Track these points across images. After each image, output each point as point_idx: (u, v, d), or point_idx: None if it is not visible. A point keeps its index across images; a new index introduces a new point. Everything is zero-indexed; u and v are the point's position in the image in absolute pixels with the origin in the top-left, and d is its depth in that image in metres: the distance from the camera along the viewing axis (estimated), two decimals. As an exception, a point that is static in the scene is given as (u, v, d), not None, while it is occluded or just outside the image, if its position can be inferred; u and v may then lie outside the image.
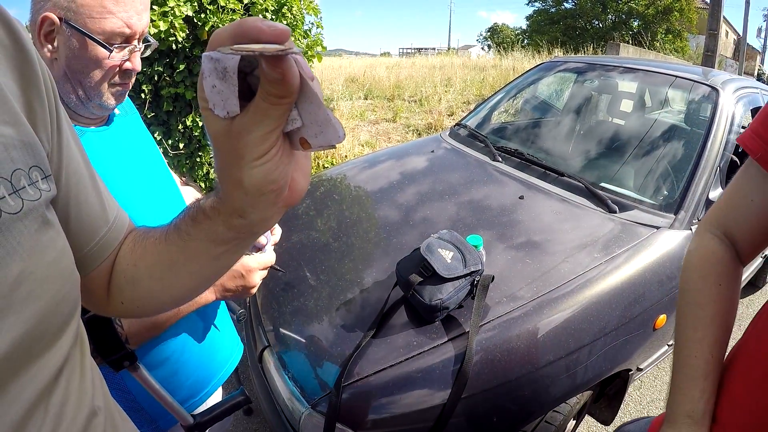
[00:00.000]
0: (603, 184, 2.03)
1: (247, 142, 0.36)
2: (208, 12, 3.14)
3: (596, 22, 28.90)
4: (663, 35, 26.36)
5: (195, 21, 3.13)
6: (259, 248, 1.07)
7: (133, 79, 0.97)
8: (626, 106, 2.83)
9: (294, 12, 3.59)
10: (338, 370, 1.24)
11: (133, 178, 1.01)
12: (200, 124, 3.39)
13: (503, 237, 1.71)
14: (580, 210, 1.86)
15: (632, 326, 1.53)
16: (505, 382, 1.26)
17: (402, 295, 1.40)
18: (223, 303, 1.29)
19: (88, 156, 0.86)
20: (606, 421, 1.87)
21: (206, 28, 3.12)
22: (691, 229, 1.77)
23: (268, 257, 1.09)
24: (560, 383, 1.37)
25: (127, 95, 0.98)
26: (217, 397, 1.39)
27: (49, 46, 0.85)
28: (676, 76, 2.47)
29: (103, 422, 0.47)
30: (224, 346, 1.26)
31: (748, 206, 0.74)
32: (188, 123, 3.37)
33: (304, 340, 1.41)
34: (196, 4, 3.08)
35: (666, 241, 1.70)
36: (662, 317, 1.64)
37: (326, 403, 1.19)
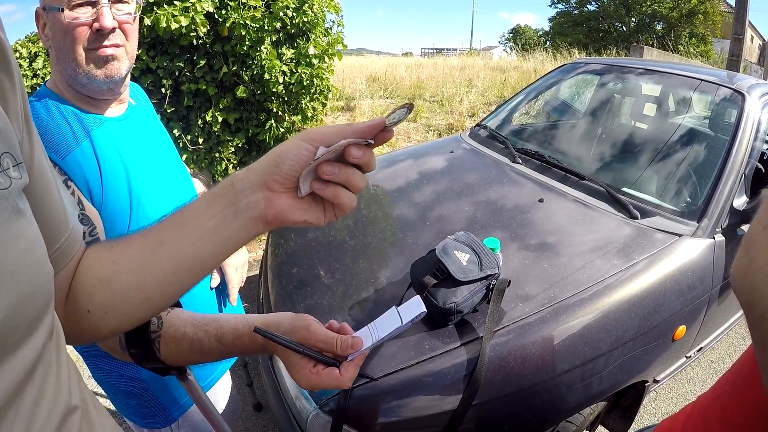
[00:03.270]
0: (625, 189, 1.98)
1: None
2: (229, 8, 3.16)
3: (619, 25, 28.49)
4: (687, 39, 25.89)
5: (216, 17, 3.15)
6: None
7: (124, 44, 0.94)
8: (649, 109, 2.77)
9: (315, 9, 3.59)
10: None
11: (150, 167, 1.03)
12: (219, 119, 3.42)
13: (520, 239, 1.68)
14: (600, 215, 1.82)
15: (651, 336, 1.48)
16: (519, 389, 1.23)
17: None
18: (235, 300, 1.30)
19: (110, 148, 0.93)
20: None
21: (227, 25, 3.13)
22: (714, 238, 1.71)
23: None
24: (575, 393, 1.34)
25: (122, 71, 0.95)
26: (224, 385, 1.39)
27: (44, 36, 0.91)
28: (701, 80, 2.40)
29: (78, 420, 0.45)
30: None
31: None
32: (208, 118, 3.39)
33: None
34: (217, 0, 3.09)
35: (688, 250, 1.65)
36: (681, 328, 1.59)
37: (334, 403, 1.18)
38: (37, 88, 0.97)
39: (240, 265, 1.27)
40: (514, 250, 1.62)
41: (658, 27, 26.86)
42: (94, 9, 0.88)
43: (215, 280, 1.24)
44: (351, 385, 0.65)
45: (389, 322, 0.67)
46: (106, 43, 0.90)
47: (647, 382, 1.63)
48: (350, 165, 0.52)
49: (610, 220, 1.79)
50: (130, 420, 1.21)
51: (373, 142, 0.51)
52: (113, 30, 0.90)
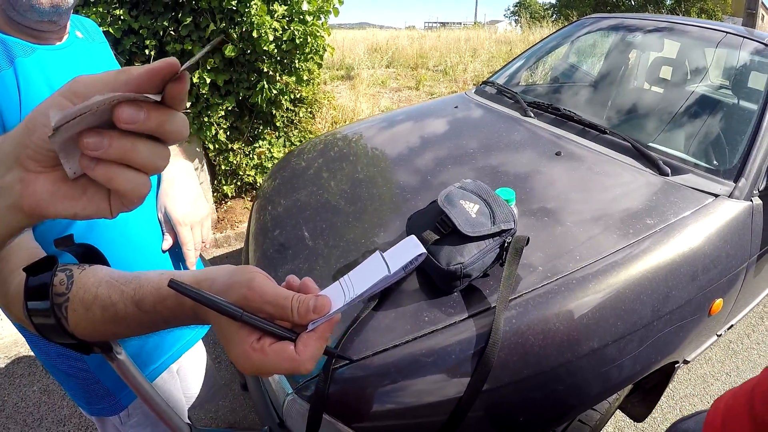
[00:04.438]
0: (652, 144, 1.76)
1: None
2: None
3: (628, -1, 28.05)
4: (697, 15, 25.55)
5: None
6: None
7: None
8: (672, 66, 2.51)
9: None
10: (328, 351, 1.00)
11: None
12: (207, 81, 3.20)
13: (537, 199, 1.45)
14: (626, 171, 1.59)
15: (688, 310, 1.28)
16: (539, 372, 1.02)
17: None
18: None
19: (38, 77, 0.86)
20: (638, 418, 1.64)
21: (214, -21, 2.90)
22: (752, 201, 1.49)
23: None
24: (604, 376, 1.13)
25: (69, 1, 0.86)
26: (194, 361, 1.23)
27: None
28: (726, 32, 2.17)
29: None
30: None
31: None
32: (195, 80, 3.18)
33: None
34: None
35: (725, 211, 1.43)
36: (719, 301, 1.40)
37: (313, 388, 0.97)
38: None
39: (196, 222, 1.04)
40: (530, 211, 1.39)
41: (668, 2, 26.45)
42: None
43: (167, 241, 1.03)
44: (312, 368, 0.44)
45: (371, 271, 0.45)
46: None
47: (677, 362, 1.42)
48: (134, 133, 0.36)
49: (639, 176, 1.56)
50: (79, 405, 1.07)
51: (159, 99, 0.36)
52: None
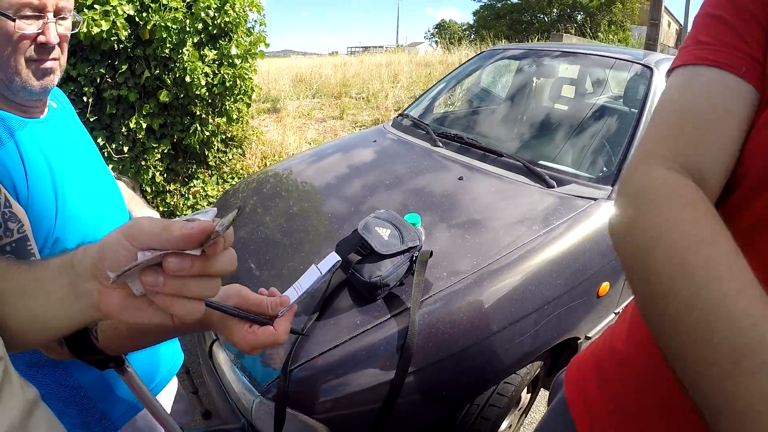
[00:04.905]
0: (541, 162, 2.09)
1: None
2: (150, 10, 3.08)
3: (541, 16, 29.73)
4: (606, 26, 27.32)
5: (137, 20, 3.07)
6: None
7: (59, 57, 0.96)
8: (567, 90, 2.91)
9: (237, 9, 3.55)
10: (284, 357, 1.23)
11: (74, 168, 1.01)
12: (143, 125, 3.32)
13: (445, 217, 1.73)
14: (518, 187, 1.91)
15: (575, 294, 1.57)
16: (451, 354, 1.28)
17: (344, 277, 1.41)
18: None
19: (34, 149, 0.93)
20: None
21: (148, 27, 3.05)
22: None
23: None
24: (508, 353, 1.40)
25: (55, 82, 0.97)
26: (170, 391, 1.37)
27: None
28: (615, 58, 2.58)
29: (2, 369, 0.47)
30: (164, 349, 1.26)
31: (720, 118, 0.52)
32: (132, 125, 3.30)
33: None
34: (138, 3, 3.02)
35: (604, 212, 1.76)
36: (605, 285, 1.69)
37: (275, 389, 1.19)
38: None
39: None
40: (439, 227, 1.67)
41: (579, 17, 28.13)
42: (40, 21, 0.88)
43: None
44: (286, 340, 0.67)
45: (310, 276, 0.70)
46: (46, 56, 0.91)
47: (579, 339, 1.71)
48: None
49: (529, 191, 1.88)
50: None
51: (199, 253, 0.44)
52: (54, 44, 0.92)
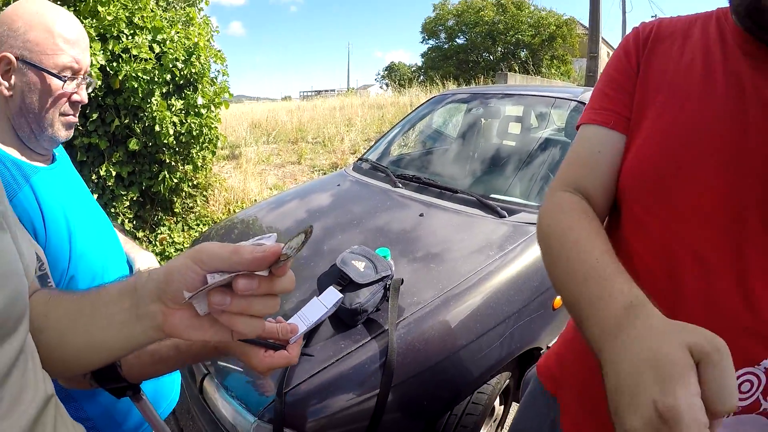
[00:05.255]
0: (493, 195, 2.32)
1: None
2: (120, 61, 3.21)
3: (487, 55, 31.02)
4: (549, 61, 28.75)
5: (108, 70, 3.19)
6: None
7: (77, 112, 1.08)
8: (513, 127, 3.22)
9: (202, 61, 3.72)
10: (278, 380, 1.36)
11: (80, 209, 1.11)
12: (113, 173, 3.40)
13: (408, 252, 1.91)
14: (474, 219, 2.12)
15: (532, 308, 1.77)
16: (427, 368, 1.45)
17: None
18: None
19: (47, 193, 1.00)
20: None
21: (119, 77, 3.18)
22: None
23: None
24: (478, 364, 1.57)
25: (72, 131, 1.08)
26: None
27: (6, 84, 0.95)
28: (553, 97, 2.89)
29: (54, 406, 0.51)
30: (168, 380, 1.36)
31: (596, 162, 0.77)
32: (102, 173, 3.37)
33: (241, 365, 1.51)
34: (109, 53, 3.14)
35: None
36: (559, 298, 1.83)
37: (270, 412, 1.31)
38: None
39: None
40: (405, 260, 1.85)
41: (522, 54, 29.45)
42: (74, 82, 1.00)
43: None
44: (297, 360, 0.75)
45: (315, 309, 0.82)
46: (75, 112, 1.05)
47: (541, 349, 1.88)
48: None
49: (484, 222, 2.09)
50: None
51: (267, 274, 0.49)
52: (84, 102, 1.05)
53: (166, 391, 1.34)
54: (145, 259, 1.34)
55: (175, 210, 4.25)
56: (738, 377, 0.62)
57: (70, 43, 0.98)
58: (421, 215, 2.19)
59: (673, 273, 0.68)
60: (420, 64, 35.57)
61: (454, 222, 2.12)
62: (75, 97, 1.02)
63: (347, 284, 1.52)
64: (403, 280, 1.61)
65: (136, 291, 0.52)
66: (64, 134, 1.05)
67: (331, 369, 1.38)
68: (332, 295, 0.83)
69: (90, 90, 1.10)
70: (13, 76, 0.95)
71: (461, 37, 31.63)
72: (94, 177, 3.39)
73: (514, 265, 1.80)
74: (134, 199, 3.69)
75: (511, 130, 3.21)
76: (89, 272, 1.07)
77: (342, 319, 1.52)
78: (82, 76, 1.03)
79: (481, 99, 3.36)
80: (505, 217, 2.12)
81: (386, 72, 42.46)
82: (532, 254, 1.86)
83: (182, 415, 2.33)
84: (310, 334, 1.48)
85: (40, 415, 0.47)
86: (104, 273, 1.12)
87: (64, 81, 0.98)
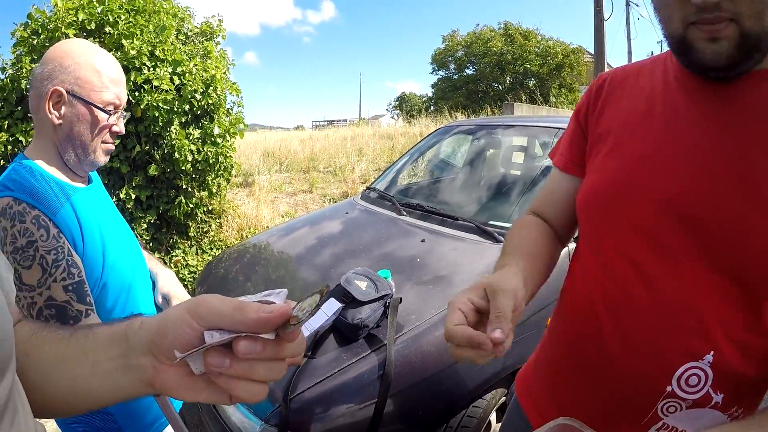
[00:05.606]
0: (492, 222, 2.44)
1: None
2: (142, 91, 3.43)
3: (496, 85, 31.41)
4: (557, 90, 29.00)
5: (130, 99, 3.40)
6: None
7: (115, 141, 1.22)
8: (516, 157, 3.36)
9: (218, 92, 3.94)
10: (284, 388, 1.48)
11: (112, 227, 1.24)
12: (133, 196, 3.59)
13: (410, 274, 2.03)
14: (473, 245, 2.24)
15: (528, 326, 1.86)
16: (423, 379, 1.56)
17: (330, 324, 1.69)
18: None
19: (85, 210, 1.12)
20: None
21: (141, 106, 3.39)
22: (568, 246, 2.19)
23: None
24: (472, 377, 1.67)
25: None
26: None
27: (57, 113, 1.09)
28: (554, 128, 3.01)
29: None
30: None
31: (551, 195, 1.00)
32: (122, 196, 3.56)
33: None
34: (132, 84, 3.36)
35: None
36: None
37: (277, 416, 1.42)
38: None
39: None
40: (406, 282, 1.96)
41: (531, 83, 29.73)
42: (115, 115, 1.15)
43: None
44: (300, 362, 0.87)
45: (317, 317, 0.96)
46: (113, 140, 1.19)
47: None
48: None
49: (482, 246, 2.21)
50: None
51: (273, 338, 0.43)
52: (123, 132, 1.19)
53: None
54: (165, 276, 1.47)
55: (190, 234, 4.42)
56: (684, 371, 0.72)
57: (113, 82, 1.14)
58: (423, 241, 2.32)
59: (615, 273, 0.79)
60: (430, 94, 35.97)
61: (453, 247, 2.25)
62: (115, 128, 1.17)
63: (350, 301, 1.65)
64: (401, 299, 1.73)
65: (127, 340, 0.48)
66: (103, 159, 1.19)
67: (334, 378, 1.49)
68: (332, 305, 0.95)
69: (124, 121, 1.25)
70: (63, 108, 1.09)
71: (470, 67, 32.08)
72: (114, 199, 3.56)
73: (509, 286, 1.90)
74: (151, 221, 3.87)
75: (514, 159, 3.36)
76: (119, 282, 1.20)
77: (345, 334, 1.63)
78: (121, 111, 1.18)
79: (486, 130, 3.53)
80: (501, 242, 2.24)
81: (397, 102, 42.79)
82: (527, 276, 1.97)
83: (192, 426, 2.43)
84: (315, 347, 1.61)
85: None
86: (132, 284, 1.25)
87: (109, 115, 1.13)
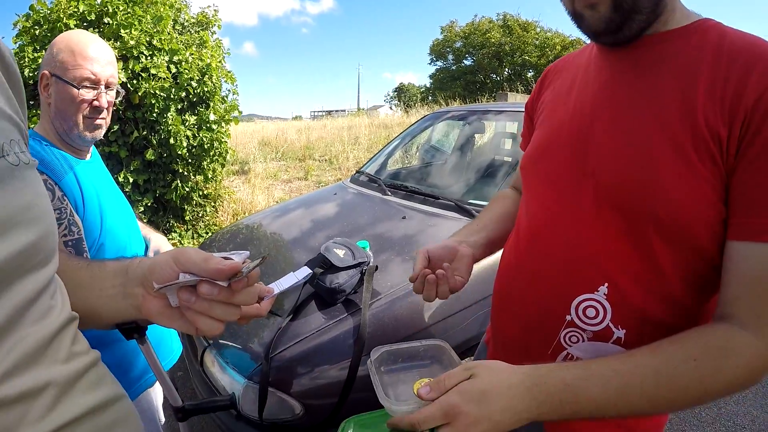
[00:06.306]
0: (471, 200, 2.57)
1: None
2: (140, 79, 3.54)
3: (494, 76, 31.42)
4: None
5: (129, 87, 3.53)
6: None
7: (106, 117, 1.31)
8: (503, 142, 3.48)
9: (214, 80, 4.05)
10: (266, 347, 1.60)
11: (109, 196, 1.37)
12: (131, 180, 3.70)
13: (389, 248, 2.16)
14: (450, 221, 2.37)
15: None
16: (396, 340, 1.67)
17: (311, 291, 1.82)
18: None
19: (86, 179, 1.25)
20: None
21: (139, 93, 3.50)
22: None
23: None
24: (446, 340, 1.79)
25: (101, 135, 1.33)
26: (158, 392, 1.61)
27: (45, 94, 1.24)
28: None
29: (75, 326, 0.55)
30: (168, 337, 1.60)
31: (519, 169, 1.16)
32: (120, 179, 3.67)
33: (239, 337, 1.75)
34: (130, 72, 3.47)
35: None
36: None
37: (259, 373, 1.54)
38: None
39: None
40: (385, 253, 2.10)
41: (529, 74, 29.75)
42: (95, 91, 1.25)
43: None
44: (266, 314, 0.87)
45: (288, 279, 1.05)
46: (98, 115, 1.28)
47: None
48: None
49: (458, 222, 2.34)
50: None
51: (227, 285, 0.55)
52: (104, 107, 1.29)
53: (165, 352, 1.58)
54: (157, 239, 1.61)
55: (186, 218, 4.53)
56: (581, 302, 0.80)
57: (88, 60, 1.24)
58: (404, 218, 2.45)
59: (533, 220, 0.91)
60: (428, 85, 35.88)
61: (431, 222, 2.38)
62: (95, 103, 1.27)
63: (328, 267, 1.77)
64: (378, 266, 1.85)
65: (127, 273, 0.61)
66: (90, 134, 1.29)
67: (313, 337, 1.62)
68: (303, 271, 1.04)
69: (119, 99, 1.36)
70: (50, 88, 1.24)
71: (468, 58, 32.10)
72: (112, 183, 3.69)
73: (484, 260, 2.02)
74: (148, 205, 3.99)
75: (501, 145, 3.48)
76: (115, 244, 1.33)
77: (324, 299, 1.76)
78: (102, 87, 1.27)
79: (476, 115, 3.64)
80: (477, 218, 2.35)
81: (396, 93, 42.67)
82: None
83: (183, 390, 2.55)
84: (297, 310, 1.73)
85: (62, 330, 0.51)
86: (126, 246, 1.38)
87: (79, 89, 1.23)
